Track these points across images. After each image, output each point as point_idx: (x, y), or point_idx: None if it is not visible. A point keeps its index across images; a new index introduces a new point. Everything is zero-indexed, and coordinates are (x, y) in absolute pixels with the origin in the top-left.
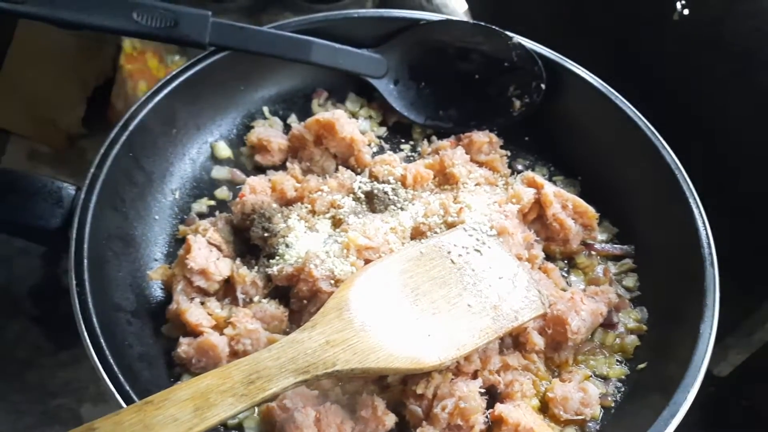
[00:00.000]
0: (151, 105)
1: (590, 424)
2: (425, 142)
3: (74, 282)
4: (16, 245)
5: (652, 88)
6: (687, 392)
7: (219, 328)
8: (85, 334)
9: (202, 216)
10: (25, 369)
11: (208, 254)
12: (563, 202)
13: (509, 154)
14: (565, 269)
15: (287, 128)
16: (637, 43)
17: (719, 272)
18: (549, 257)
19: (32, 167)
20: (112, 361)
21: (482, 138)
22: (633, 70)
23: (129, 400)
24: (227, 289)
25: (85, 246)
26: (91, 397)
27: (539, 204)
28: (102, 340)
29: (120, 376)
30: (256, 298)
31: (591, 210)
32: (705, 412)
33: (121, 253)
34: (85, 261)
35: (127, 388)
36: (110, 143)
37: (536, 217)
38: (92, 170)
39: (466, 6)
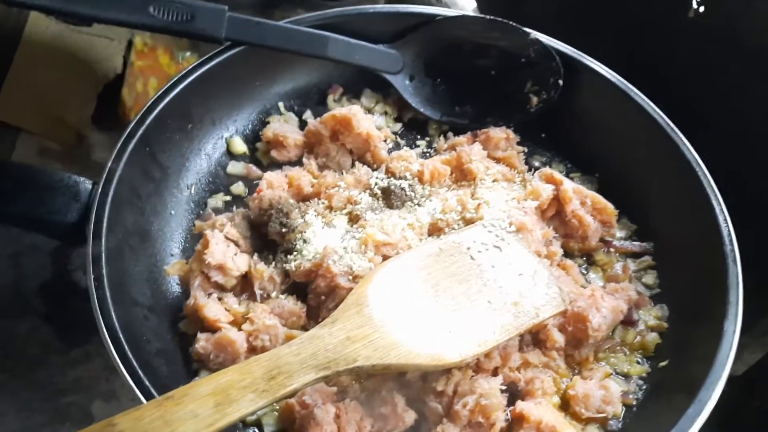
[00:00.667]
0: (167, 100)
1: (612, 422)
2: (441, 138)
3: (92, 276)
4: (26, 242)
5: (666, 86)
6: (711, 391)
7: (237, 323)
8: (104, 328)
9: (217, 211)
10: (36, 366)
11: (226, 249)
12: (582, 198)
13: (526, 150)
14: (584, 266)
15: (303, 124)
16: (650, 40)
17: None
18: (567, 254)
19: (42, 164)
20: (131, 356)
21: (499, 134)
22: (646, 68)
23: (149, 396)
24: (244, 285)
25: (102, 241)
26: (101, 395)
27: (558, 200)
28: (120, 335)
29: (139, 371)
30: (273, 294)
31: (610, 206)
32: (717, 411)
33: (137, 248)
34: (103, 256)
35: (147, 383)
36: (126, 138)
37: (554, 213)
38: (109, 165)
39: (474, 4)
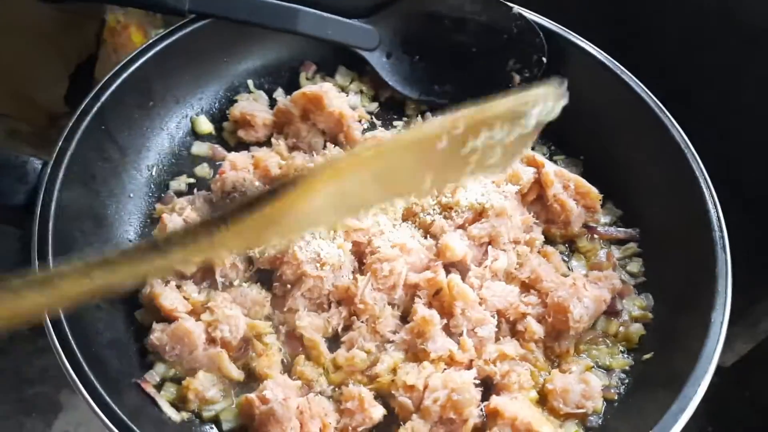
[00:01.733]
0: (125, 75)
1: (592, 418)
2: (419, 118)
3: (37, 263)
4: None
5: (656, 65)
6: (697, 385)
7: (196, 313)
8: (47, 318)
9: (180, 194)
10: (2, 355)
11: None
12: (565, 182)
13: None
14: (566, 253)
15: (273, 102)
16: (640, 17)
17: None
18: (549, 241)
19: (12, 146)
20: (75, 348)
21: None
22: (635, 47)
23: (93, 391)
24: (206, 272)
25: (51, 224)
26: (69, 384)
27: (539, 184)
28: (65, 325)
29: (83, 363)
30: (236, 282)
31: (594, 191)
32: (708, 403)
33: (91, 233)
34: (50, 239)
35: (92, 377)
36: (80, 115)
37: (536, 198)
38: (60, 143)
39: None
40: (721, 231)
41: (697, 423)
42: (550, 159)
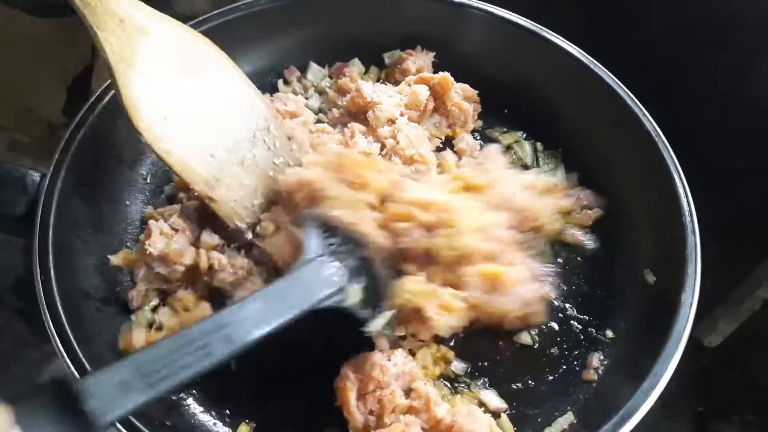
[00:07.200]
0: None
1: None
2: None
3: (38, 270)
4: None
5: (633, 55)
6: (668, 363)
7: None
8: (50, 322)
9: (172, 198)
10: (11, 361)
11: (170, 240)
12: (455, 90)
13: (482, 123)
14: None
15: None
16: (616, 8)
17: (707, 242)
18: None
19: (13, 158)
20: (78, 349)
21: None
22: (612, 37)
23: None
24: (192, 277)
25: (50, 233)
26: None
27: (435, 95)
28: (68, 329)
29: (87, 365)
30: None
31: (472, 90)
32: (696, 383)
33: (89, 240)
34: (50, 248)
35: None
36: (75, 127)
37: (434, 108)
38: (56, 156)
39: None
40: (691, 216)
41: (689, 404)
42: (533, 151)
